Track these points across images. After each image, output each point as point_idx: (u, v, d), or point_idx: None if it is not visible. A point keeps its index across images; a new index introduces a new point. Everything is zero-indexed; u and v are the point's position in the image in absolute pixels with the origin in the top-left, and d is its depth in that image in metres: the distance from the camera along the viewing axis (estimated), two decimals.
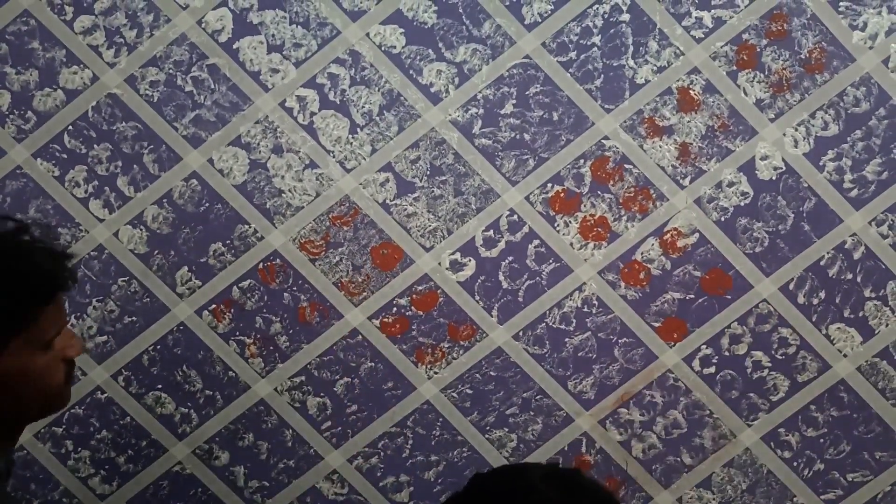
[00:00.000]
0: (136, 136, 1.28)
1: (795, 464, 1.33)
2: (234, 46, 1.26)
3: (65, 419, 1.33)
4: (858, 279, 1.30)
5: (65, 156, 1.28)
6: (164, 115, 1.27)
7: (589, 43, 1.26)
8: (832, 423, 1.32)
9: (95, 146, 1.28)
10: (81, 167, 1.28)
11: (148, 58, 1.26)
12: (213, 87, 1.27)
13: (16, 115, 1.27)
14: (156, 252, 1.30)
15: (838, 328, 1.31)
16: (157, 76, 1.26)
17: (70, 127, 1.27)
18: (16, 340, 0.85)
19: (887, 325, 1.30)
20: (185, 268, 1.30)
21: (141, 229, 1.30)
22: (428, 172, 1.29)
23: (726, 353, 1.32)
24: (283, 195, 1.29)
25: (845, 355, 1.31)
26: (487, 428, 1.34)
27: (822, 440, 1.33)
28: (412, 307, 1.31)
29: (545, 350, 1.32)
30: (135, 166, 1.28)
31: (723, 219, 1.29)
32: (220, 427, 1.34)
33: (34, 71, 1.26)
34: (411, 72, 1.27)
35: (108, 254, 1.30)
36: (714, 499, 1.34)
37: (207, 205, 1.29)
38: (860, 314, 1.31)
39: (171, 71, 1.26)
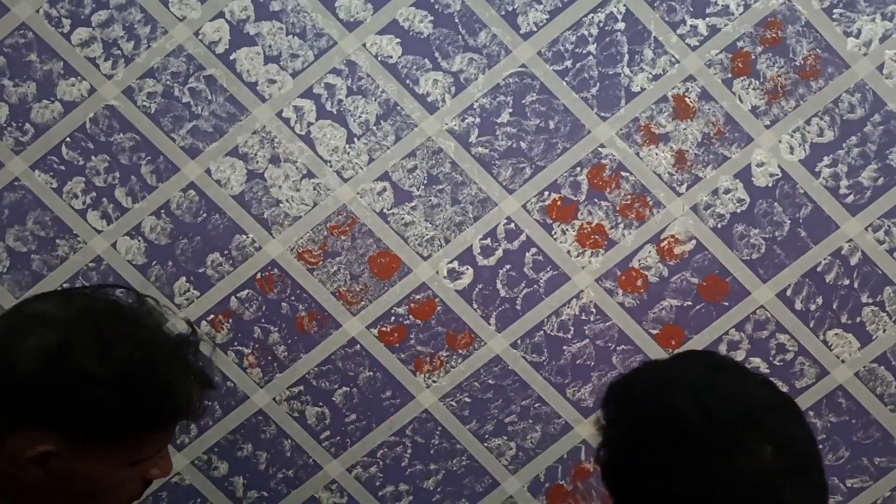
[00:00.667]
0: (133, 148, 1.28)
1: None
2: (231, 57, 1.27)
3: None
4: (855, 285, 1.30)
5: (62, 167, 1.28)
6: (162, 127, 1.28)
7: (584, 51, 1.26)
8: (831, 429, 1.32)
9: (93, 158, 1.28)
10: (79, 179, 1.29)
11: (145, 69, 1.26)
12: (210, 97, 1.27)
13: (13, 128, 1.27)
14: (154, 263, 1.30)
15: (836, 334, 1.31)
16: (155, 87, 1.27)
17: (68, 139, 1.28)
18: (105, 446, 0.79)
19: (885, 330, 1.31)
20: (183, 278, 1.30)
21: (139, 240, 1.30)
22: (425, 181, 1.29)
23: None
24: (280, 205, 1.29)
25: (843, 361, 1.31)
26: (486, 436, 1.34)
27: (820, 446, 1.32)
28: (410, 316, 1.32)
29: (543, 358, 1.32)
30: (132, 177, 1.29)
31: (719, 225, 1.29)
32: (219, 437, 1.34)
33: (32, 83, 1.26)
34: (408, 81, 1.27)
35: (106, 265, 1.30)
36: None
37: (205, 215, 1.29)
38: (858, 320, 1.31)
39: (168, 82, 1.27)
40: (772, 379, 0.90)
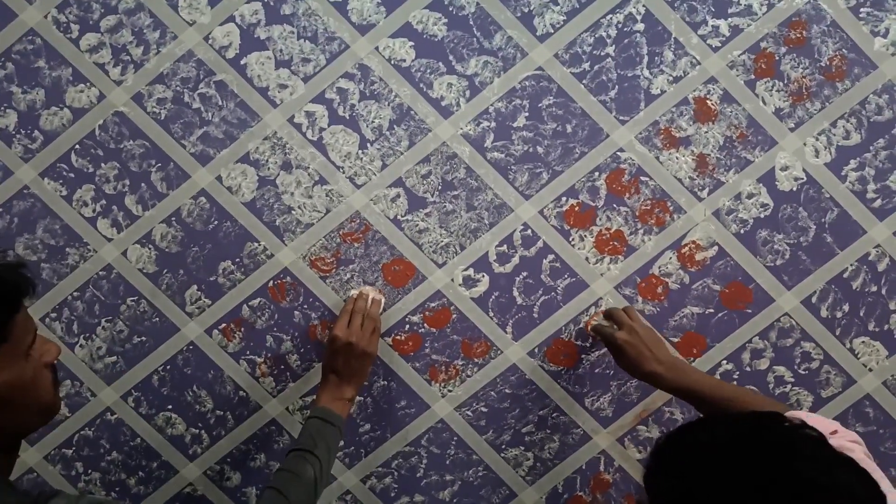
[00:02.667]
0: (143, 155, 1.26)
1: None
2: (242, 62, 1.24)
3: (74, 441, 1.31)
4: (883, 291, 1.26)
5: (72, 175, 1.27)
6: (172, 133, 1.26)
7: (603, 53, 1.23)
8: None
9: (103, 165, 1.26)
10: (89, 186, 1.27)
11: (155, 75, 1.24)
12: (220, 103, 1.25)
13: (23, 135, 1.25)
14: (165, 271, 1.28)
15: (863, 342, 1.27)
16: (165, 93, 1.25)
17: (77, 146, 1.26)
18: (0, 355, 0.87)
19: None
20: (195, 286, 1.28)
21: (149, 248, 1.28)
22: (439, 187, 1.27)
23: (748, 369, 1.28)
24: (292, 212, 1.27)
25: (870, 370, 1.28)
26: (503, 446, 1.32)
27: None
28: (425, 324, 1.29)
29: (561, 367, 1.29)
30: (143, 185, 1.27)
31: (742, 231, 1.26)
32: (232, 447, 1.32)
33: (40, 90, 1.25)
34: (421, 85, 1.25)
35: (116, 273, 1.28)
36: None
37: (216, 222, 1.27)
38: (885, 327, 1.27)
39: (178, 88, 1.25)
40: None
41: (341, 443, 1.17)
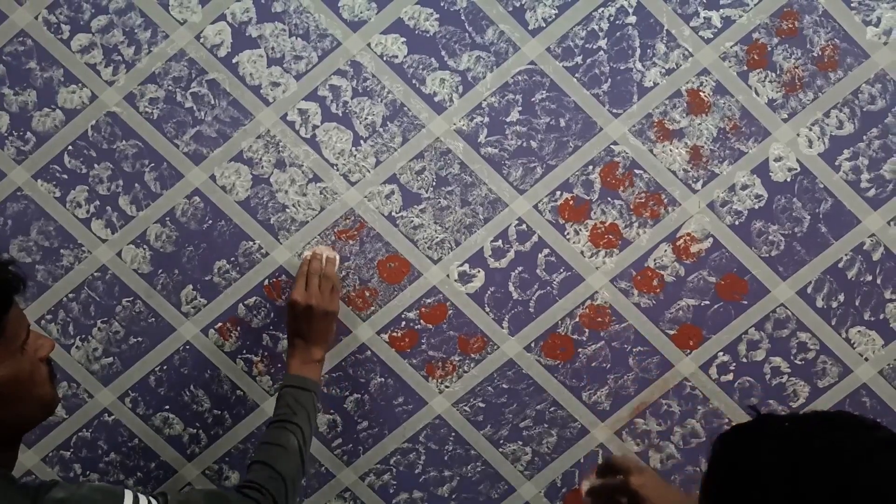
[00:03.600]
0: (136, 155, 1.26)
1: None
2: (234, 61, 1.24)
3: (72, 442, 1.31)
4: (878, 281, 1.27)
5: (65, 176, 1.26)
6: (165, 133, 1.25)
7: (595, 47, 1.23)
8: None
9: (96, 166, 1.26)
10: (83, 187, 1.27)
11: (146, 75, 1.24)
12: (213, 102, 1.25)
13: (15, 137, 1.25)
14: (160, 271, 1.28)
15: (859, 331, 1.28)
16: (157, 93, 1.25)
17: (70, 147, 1.26)
18: None
19: None
20: (190, 286, 1.28)
21: (144, 248, 1.28)
22: (434, 183, 1.27)
23: (744, 360, 1.29)
24: (287, 210, 1.27)
25: (867, 359, 1.28)
26: (501, 441, 1.32)
27: None
28: (421, 320, 1.29)
29: (558, 361, 1.30)
30: (136, 185, 1.26)
31: (737, 222, 1.26)
32: (230, 447, 1.32)
33: (32, 91, 1.24)
34: (414, 81, 1.24)
35: (111, 274, 1.28)
36: None
37: (211, 222, 1.27)
38: (881, 316, 1.27)
39: (170, 87, 1.24)
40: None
41: (319, 406, 1.17)
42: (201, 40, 1.23)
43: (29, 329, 0.94)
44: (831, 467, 0.64)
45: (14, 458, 0.97)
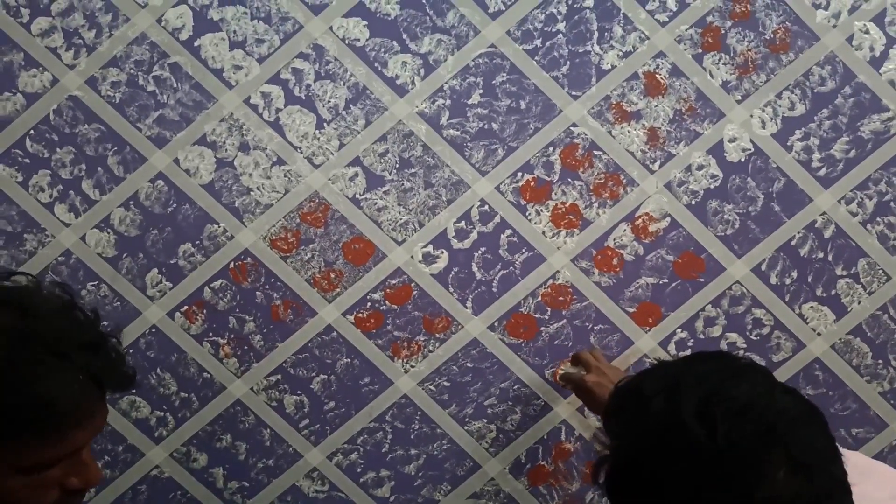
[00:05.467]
0: (99, 139, 1.26)
1: None
2: (196, 44, 1.24)
3: None
4: (830, 258, 1.30)
5: (27, 160, 1.26)
6: (127, 116, 1.26)
7: (554, 30, 1.25)
8: None
9: (58, 150, 1.26)
10: (45, 171, 1.26)
11: (108, 58, 1.24)
12: (175, 85, 1.25)
13: None
14: (124, 255, 1.28)
15: (811, 307, 1.32)
16: (119, 77, 1.25)
17: (32, 131, 1.25)
18: None
19: (859, 302, 1.31)
20: (155, 270, 1.29)
21: (108, 232, 1.28)
22: (397, 165, 1.28)
23: (701, 336, 1.32)
24: (251, 193, 1.28)
25: (819, 334, 1.32)
26: (466, 420, 1.34)
27: None
28: (386, 301, 1.31)
29: (521, 340, 1.32)
30: (99, 169, 1.27)
31: (693, 202, 1.29)
32: (197, 429, 1.33)
33: None
34: (376, 64, 1.26)
35: (75, 258, 1.28)
36: None
37: (175, 205, 1.28)
38: (832, 292, 1.31)
39: (132, 71, 1.25)
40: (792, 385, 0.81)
41: None
42: (163, 23, 1.24)
43: (77, 452, 0.73)
44: (701, 384, 0.72)
45: None
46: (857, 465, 0.90)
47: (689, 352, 1.32)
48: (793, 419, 0.71)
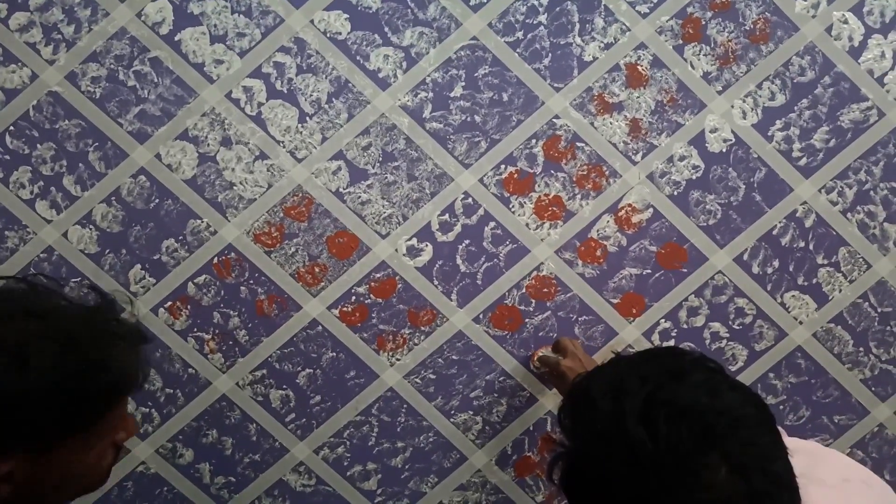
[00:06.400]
0: (80, 134, 1.25)
1: None
2: (176, 38, 1.24)
3: None
4: (811, 246, 1.32)
5: (7, 157, 1.25)
6: (108, 112, 1.25)
7: (535, 22, 1.25)
8: (791, 390, 1.34)
9: (39, 146, 1.25)
10: (25, 168, 1.26)
11: (88, 53, 1.23)
12: (156, 80, 1.25)
13: None
14: (107, 251, 1.28)
15: (793, 296, 1.33)
16: (99, 72, 1.24)
17: (11, 127, 1.25)
18: (72, 440, 0.77)
19: (840, 290, 1.32)
20: (138, 266, 1.28)
21: (90, 229, 1.27)
22: (380, 159, 1.28)
23: (685, 326, 1.33)
24: (234, 188, 1.28)
25: (801, 322, 1.33)
26: (452, 412, 1.34)
27: (781, 407, 1.34)
28: (371, 295, 1.31)
29: (506, 332, 1.32)
30: (80, 165, 1.26)
31: (675, 193, 1.30)
32: (183, 425, 1.33)
33: None
34: (358, 58, 1.26)
35: (57, 255, 1.27)
36: None
37: (157, 201, 1.27)
38: (814, 281, 1.32)
39: (112, 66, 1.24)
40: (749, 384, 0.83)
41: None
42: (142, 18, 1.23)
43: (123, 416, 0.83)
44: (645, 385, 0.73)
45: None
46: (810, 452, 0.92)
47: (672, 342, 1.33)
48: (734, 419, 0.71)
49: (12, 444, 0.73)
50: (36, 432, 0.74)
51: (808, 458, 0.80)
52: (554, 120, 1.28)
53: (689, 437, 0.69)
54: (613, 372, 0.77)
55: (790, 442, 0.78)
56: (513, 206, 1.30)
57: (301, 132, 1.27)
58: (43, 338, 0.73)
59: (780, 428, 1.05)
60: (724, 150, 1.29)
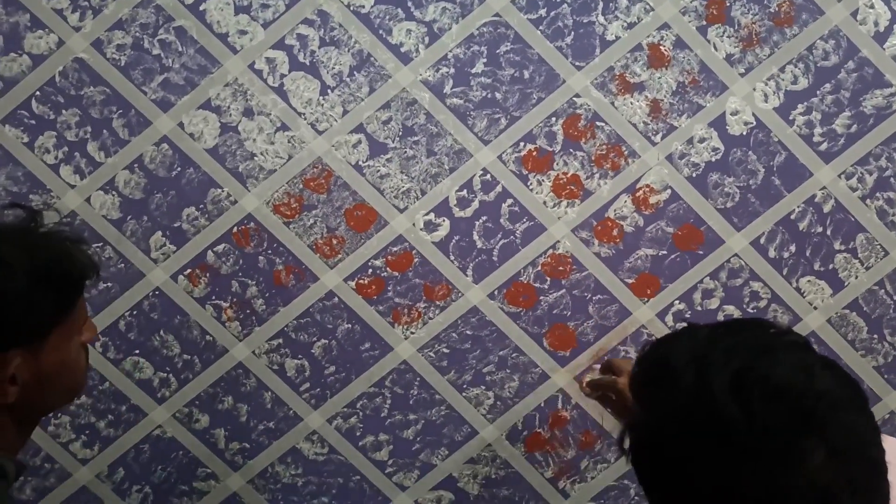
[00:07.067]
0: (104, 101, 1.27)
1: None
2: (201, 8, 1.25)
3: None
4: (828, 232, 1.31)
5: (33, 122, 1.27)
6: (133, 80, 1.26)
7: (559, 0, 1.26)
8: None
9: (64, 112, 1.27)
10: (51, 133, 1.27)
11: (114, 21, 1.25)
12: (180, 49, 1.26)
13: None
14: (129, 217, 1.30)
15: (809, 281, 1.33)
16: (124, 39, 1.25)
17: (37, 93, 1.26)
18: (55, 333, 0.87)
19: (856, 276, 1.32)
20: (159, 233, 1.30)
21: (113, 195, 1.29)
22: (400, 133, 1.29)
23: (699, 308, 1.33)
24: (255, 158, 1.29)
25: (816, 308, 1.33)
26: (465, 386, 1.36)
27: None
28: (387, 268, 1.32)
29: (520, 308, 1.33)
30: (104, 131, 1.28)
31: (694, 174, 1.30)
32: (200, 390, 1.35)
33: None
34: (381, 31, 1.26)
35: (80, 220, 1.29)
36: None
37: (179, 169, 1.29)
38: (830, 267, 1.32)
39: (137, 34, 1.25)
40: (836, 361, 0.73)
41: None
42: None
43: (86, 313, 0.94)
44: (733, 359, 0.68)
45: (25, 441, 0.93)
46: (890, 442, 0.90)
47: (685, 324, 1.34)
48: (832, 402, 0.66)
49: (11, 341, 0.83)
50: (28, 326, 0.84)
51: (890, 448, 0.78)
52: (574, 98, 1.28)
53: (787, 419, 0.65)
54: (693, 342, 0.72)
55: None
56: (531, 184, 1.30)
57: (322, 105, 1.28)
58: (7, 244, 0.85)
59: None
60: (744, 133, 1.29)
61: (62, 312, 0.87)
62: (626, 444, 0.73)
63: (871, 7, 1.25)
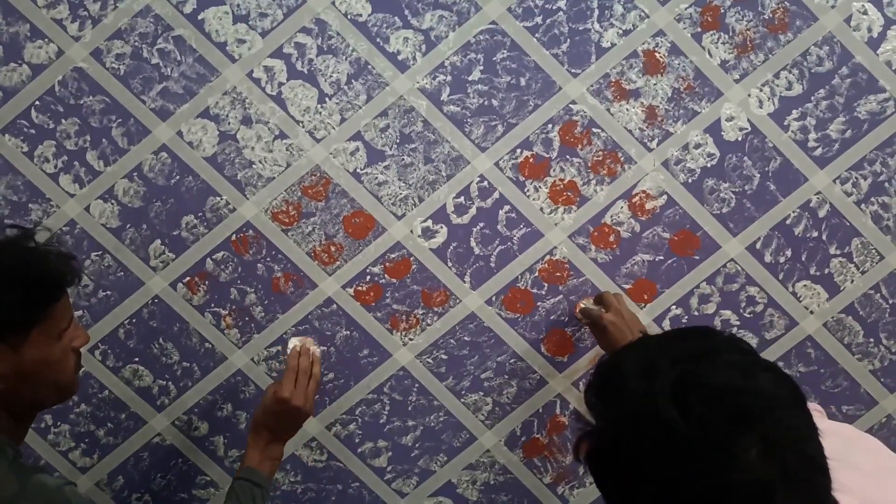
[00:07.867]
0: (103, 110, 1.28)
1: None
2: (200, 17, 1.26)
3: None
4: (824, 237, 1.32)
5: (33, 131, 1.28)
6: (132, 88, 1.27)
7: (554, 7, 1.26)
8: (800, 379, 1.35)
9: (63, 121, 1.28)
10: (50, 142, 1.28)
11: (113, 30, 1.25)
12: (179, 58, 1.27)
13: None
14: (128, 226, 1.30)
15: (804, 285, 1.33)
16: (123, 49, 1.26)
17: (37, 102, 1.27)
18: (35, 332, 0.96)
19: (852, 281, 1.33)
20: (158, 241, 1.31)
21: (112, 203, 1.30)
22: (397, 141, 1.30)
23: (695, 313, 1.34)
24: (253, 166, 1.30)
25: (812, 312, 1.34)
26: (463, 392, 1.36)
27: None
28: (385, 275, 1.33)
29: (518, 314, 1.34)
30: (104, 140, 1.28)
31: (690, 180, 1.31)
32: (199, 398, 1.35)
33: None
34: (378, 40, 1.27)
35: (80, 229, 1.30)
36: None
37: (178, 177, 1.29)
38: (826, 271, 1.33)
39: (136, 43, 1.26)
40: (778, 362, 0.79)
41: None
42: None
43: (71, 319, 1.02)
44: (677, 365, 0.71)
45: (25, 432, 1.04)
46: (845, 436, 0.91)
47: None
48: (769, 400, 0.69)
49: None
50: (8, 322, 0.94)
51: (842, 441, 0.78)
52: (570, 105, 1.29)
53: (723, 419, 0.68)
54: (643, 351, 0.75)
55: (825, 424, 0.76)
56: (528, 190, 1.31)
57: (320, 112, 1.29)
58: None
59: (819, 409, 1.04)
60: (739, 139, 1.30)
61: (33, 312, 0.96)
62: (582, 453, 0.76)
63: (865, 13, 1.26)
